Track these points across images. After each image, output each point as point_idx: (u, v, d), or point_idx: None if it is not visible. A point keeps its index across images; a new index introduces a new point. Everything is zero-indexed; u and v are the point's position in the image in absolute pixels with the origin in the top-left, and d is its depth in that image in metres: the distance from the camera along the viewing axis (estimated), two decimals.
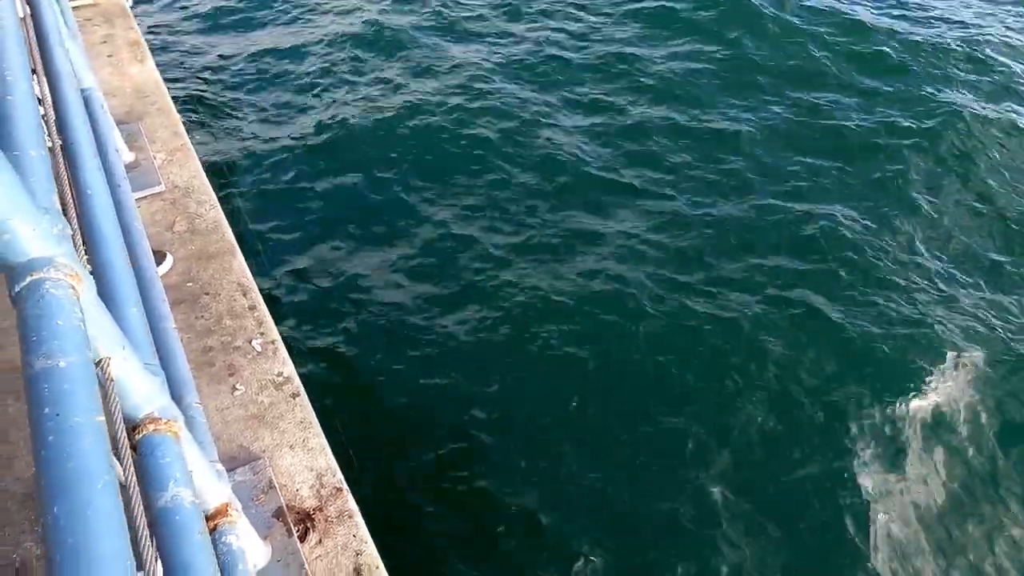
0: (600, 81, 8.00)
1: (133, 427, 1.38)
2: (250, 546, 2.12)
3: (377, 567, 2.33)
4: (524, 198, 6.53)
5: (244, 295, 3.22)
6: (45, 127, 2.92)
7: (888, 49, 8.49)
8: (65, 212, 1.76)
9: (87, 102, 3.22)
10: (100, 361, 1.26)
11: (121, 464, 1.12)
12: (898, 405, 5.00)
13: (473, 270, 5.88)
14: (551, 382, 5.10)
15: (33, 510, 2.36)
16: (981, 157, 7.11)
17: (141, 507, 1.03)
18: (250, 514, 2.29)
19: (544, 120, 7.35)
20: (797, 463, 4.66)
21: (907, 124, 7.41)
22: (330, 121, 7.40)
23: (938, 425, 4.94)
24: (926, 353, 5.31)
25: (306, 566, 2.28)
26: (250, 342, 3.00)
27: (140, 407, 1.38)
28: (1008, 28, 9.18)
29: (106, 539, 0.75)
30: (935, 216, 6.45)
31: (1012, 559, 4.32)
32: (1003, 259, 6.12)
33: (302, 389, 2.87)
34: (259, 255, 5.90)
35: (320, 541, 2.38)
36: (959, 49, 8.58)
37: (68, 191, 2.13)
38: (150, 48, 4.98)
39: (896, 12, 9.39)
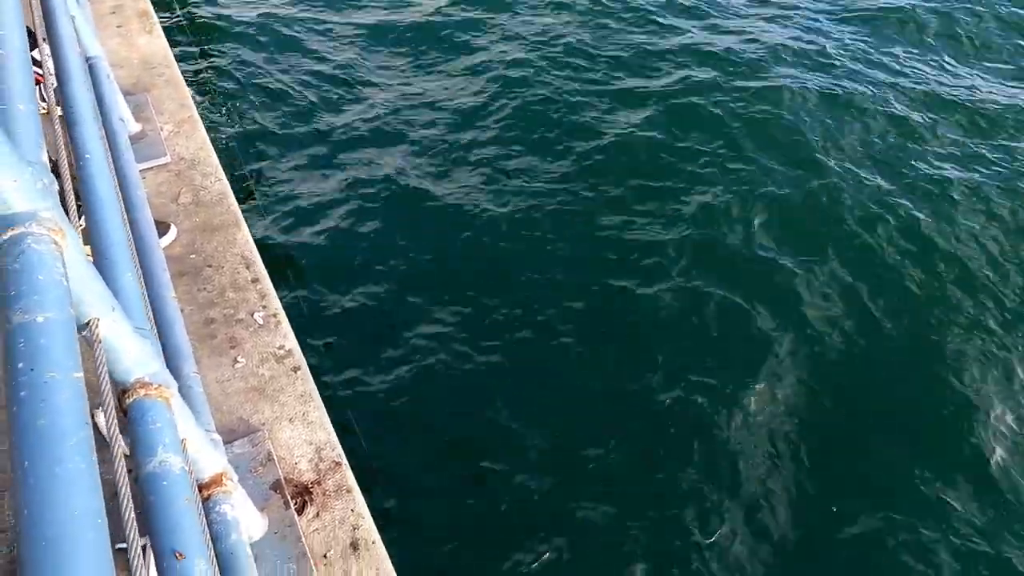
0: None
1: (123, 391, 1.37)
2: (246, 517, 2.12)
3: (374, 541, 2.32)
4: (535, 169, 6.47)
5: (247, 268, 3.20)
6: (46, 92, 2.90)
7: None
8: (60, 175, 1.74)
9: (93, 70, 3.19)
10: (89, 322, 1.24)
11: (107, 427, 1.11)
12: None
13: (485, 246, 5.84)
14: (561, 364, 5.07)
15: None
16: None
17: (124, 469, 1.01)
18: (247, 486, 2.28)
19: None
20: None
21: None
22: (344, 99, 7.35)
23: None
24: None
25: (303, 539, 2.27)
26: (252, 315, 2.99)
27: (131, 371, 1.37)
28: None
29: (77, 497, 0.73)
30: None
31: None
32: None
33: (303, 363, 2.85)
34: (264, 228, 5.88)
35: (317, 514, 2.37)
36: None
37: (68, 156, 2.11)
38: (159, 19, 4.94)
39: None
